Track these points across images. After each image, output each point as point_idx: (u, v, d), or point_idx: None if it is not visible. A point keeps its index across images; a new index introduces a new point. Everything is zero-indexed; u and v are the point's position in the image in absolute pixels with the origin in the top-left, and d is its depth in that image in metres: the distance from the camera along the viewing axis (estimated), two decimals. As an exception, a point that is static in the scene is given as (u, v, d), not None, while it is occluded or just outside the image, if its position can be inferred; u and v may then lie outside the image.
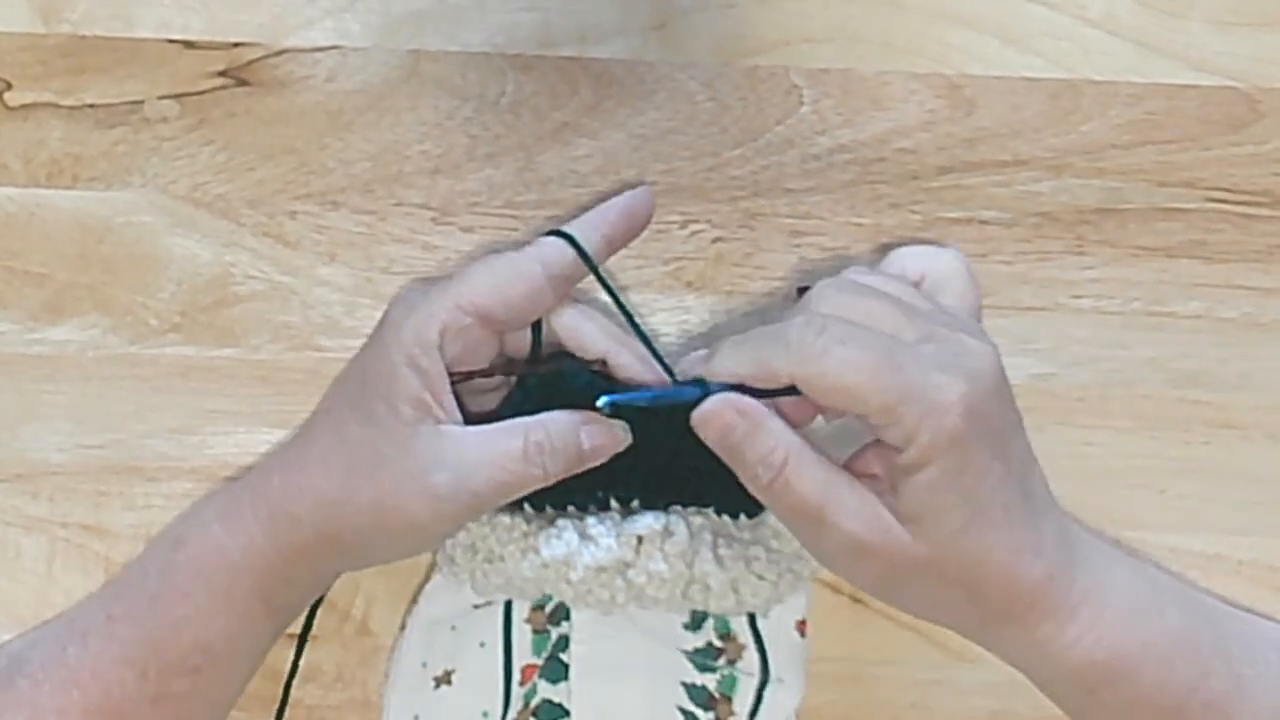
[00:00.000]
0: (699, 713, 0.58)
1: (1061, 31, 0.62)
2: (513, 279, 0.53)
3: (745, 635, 0.58)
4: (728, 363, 0.51)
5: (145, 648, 0.54)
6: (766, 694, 0.58)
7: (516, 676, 0.58)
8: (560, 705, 0.58)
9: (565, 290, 0.55)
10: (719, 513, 0.56)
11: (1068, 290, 0.62)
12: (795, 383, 0.49)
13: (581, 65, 0.62)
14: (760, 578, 0.55)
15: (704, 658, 0.58)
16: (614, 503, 0.56)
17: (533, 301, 0.54)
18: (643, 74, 0.62)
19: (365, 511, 0.52)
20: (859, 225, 0.62)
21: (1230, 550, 0.61)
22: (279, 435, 0.60)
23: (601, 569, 0.54)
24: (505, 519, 0.55)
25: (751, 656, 0.58)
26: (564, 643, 0.58)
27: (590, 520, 0.55)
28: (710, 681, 0.58)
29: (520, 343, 0.56)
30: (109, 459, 0.61)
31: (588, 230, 0.55)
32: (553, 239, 0.54)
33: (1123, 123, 0.62)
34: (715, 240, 0.62)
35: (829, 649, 0.61)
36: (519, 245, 0.55)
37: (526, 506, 0.56)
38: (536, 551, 0.55)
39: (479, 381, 0.55)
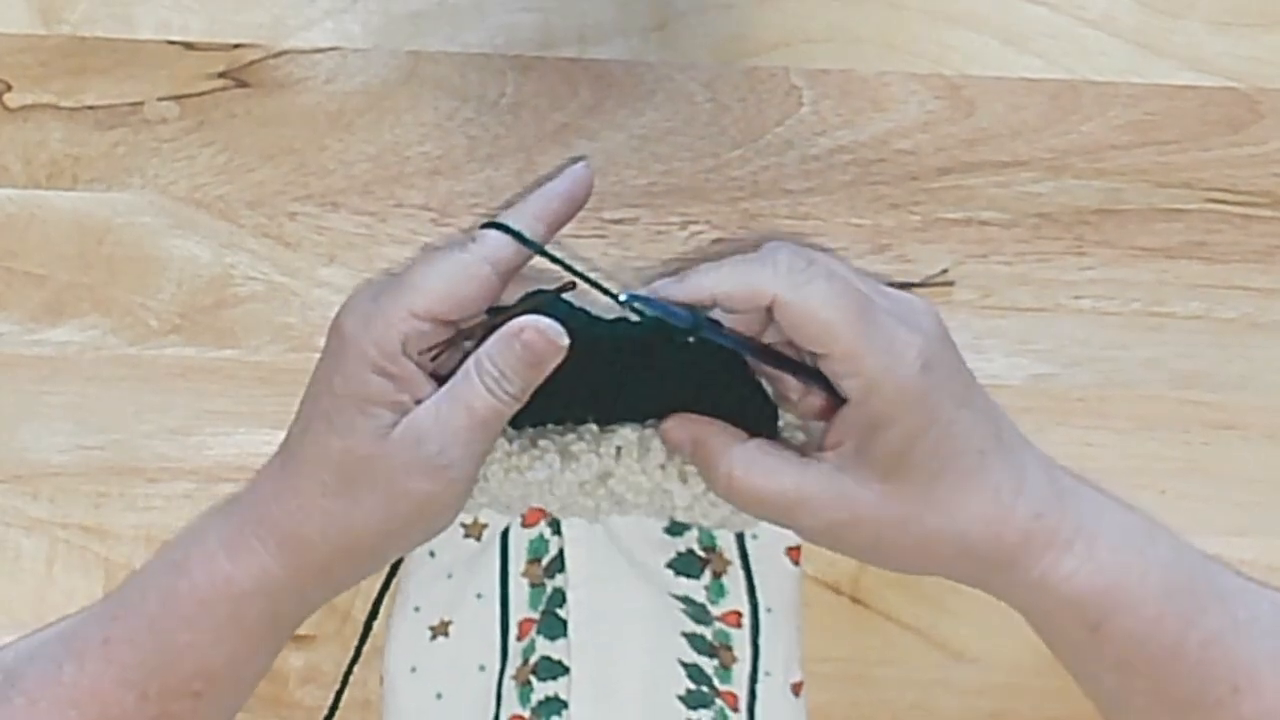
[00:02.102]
0: (702, 661, 0.58)
1: (1061, 32, 0.62)
2: (464, 282, 0.53)
3: (731, 552, 0.59)
4: (711, 280, 0.53)
5: (145, 671, 0.54)
6: (762, 641, 0.58)
7: (514, 631, 0.58)
8: (560, 662, 0.58)
9: (512, 277, 0.55)
10: None
11: (1067, 291, 0.62)
12: (775, 305, 0.51)
13: (581, 66, 0.62)
14: (713, 504, 0.56)
15: (686, 565, 0.58)
16: (592, 421, 0.57)
17: (485, 298, 0.54)
18: (642, 75, 0.62)
19: (376, 509, 0.52)
20: (858, 226, 0.62)
21: (1230, 550, 0.61)
22: (279, 436, 0.60)
23: (584, 482, 0.56)
24: None
25: (737, 575, 0.58)
26: (560, 597, 0.58)
27: (570, 437, 0.56)
28: (708, 632, 0.58)
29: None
30: (109, 460, 0.61)
31: (531, 220, 0.54)
32: (496, 234, 0.54)
33: (1122, 123, 0.62)
34: (715, 241, 0.62)
35: (829, 649, 0.61)
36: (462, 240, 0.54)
37: (508, 428, 0.56)
38: (520, 472, 0.56)
39: None
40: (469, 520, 0.59)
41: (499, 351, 0.53)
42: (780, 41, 0.62)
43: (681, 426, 0.55)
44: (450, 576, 0.59)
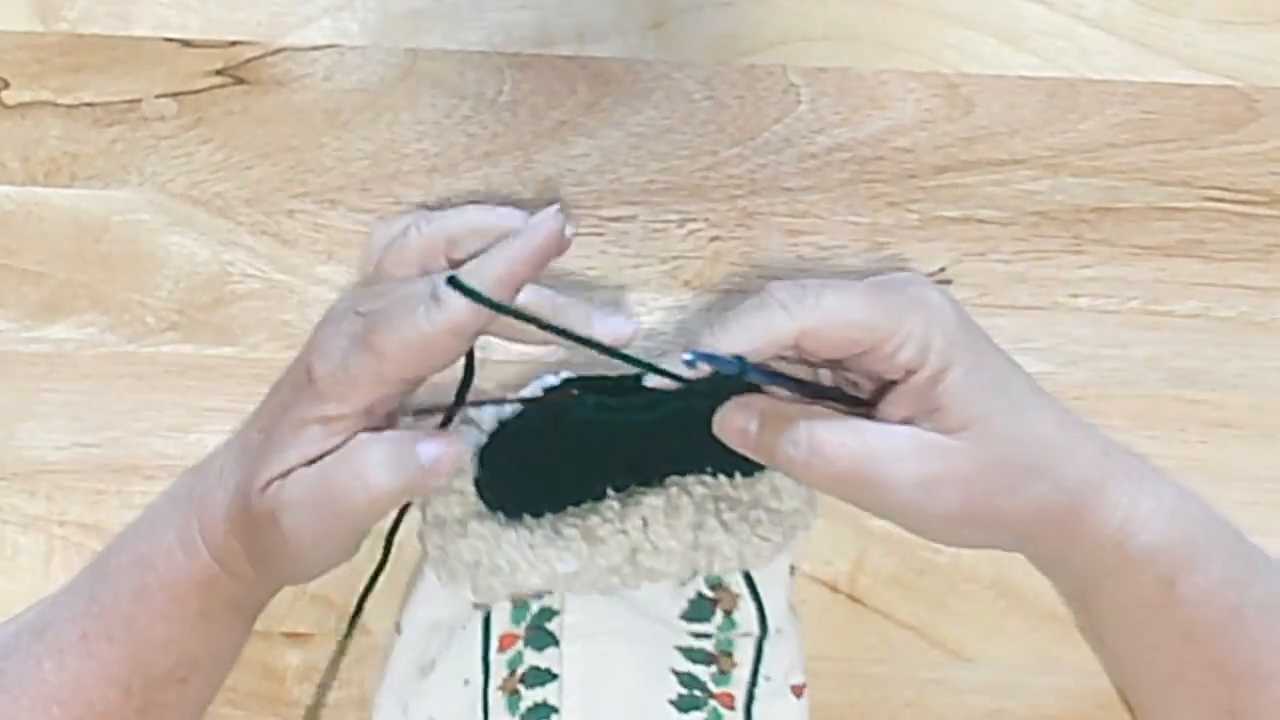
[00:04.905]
0: (697, 669, 0.58)
1: (1059, 30, 0.62)
2: (432, 352, 0.49)
3: (740, 585, 0.58)
4: (732, 338, 0.49)
5: (128, 666, 0.54)
6: (767, 647, 0.58)
7: (494, 644, 0.58)
8: (548, 670, 0.58)
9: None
10: (715, 474, 0.56)
11: (1065, 289, 0.62)
12: (801, 337, 0.49)
13: (579, 64, 0.62)
14: (764, 539, 0.55)
15: (698, 612, 0.58)
16: (612, 492, 0.55)
17: (450, 360, 0.50)
18: (640, 73, 0.62)
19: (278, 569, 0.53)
20: (856, 224, 0.62)
21: (1228, 549, 0.61)
22: (276, 434, 0.60)
23: (613, 567, 0.55)
24: (512, 534, 0.54)
25: (748, 607, 0.57)
26: (547, 614, 0.58)
27: (594, 520, 0.55)
28: (708, 645, 0.58)
29: None
30: (107, 457, 0.61)
31: (494, 283, 0.48)
32: (461, 302, 0.48)
33: (1120, 122, 0.62)
34: (713, 239, 0.62)
35: (827, 648, 0.61)
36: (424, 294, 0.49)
37: (527, 516, 0.55)
38: (549, 564, 0.54)
39: None
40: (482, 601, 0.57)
41: (400, 461, 0.50)
42: (778, 39, 0.62)
43: (742, 407, 0.52)
44: (449, 630, 0.58)
